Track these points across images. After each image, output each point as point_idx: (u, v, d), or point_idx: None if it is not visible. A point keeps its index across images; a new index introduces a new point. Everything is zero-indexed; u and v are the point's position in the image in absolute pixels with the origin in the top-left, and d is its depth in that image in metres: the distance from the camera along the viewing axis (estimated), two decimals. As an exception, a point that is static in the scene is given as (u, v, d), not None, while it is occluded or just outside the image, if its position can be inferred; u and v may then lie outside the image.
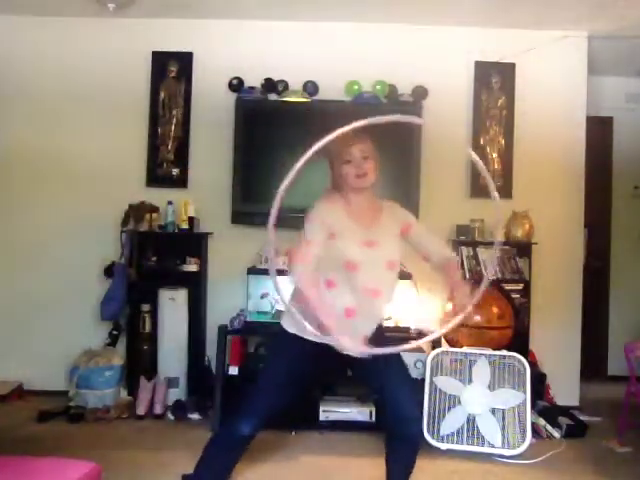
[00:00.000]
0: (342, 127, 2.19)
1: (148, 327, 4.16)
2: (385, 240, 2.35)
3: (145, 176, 4.37)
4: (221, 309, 4.20)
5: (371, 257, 2.29)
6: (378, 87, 4.29)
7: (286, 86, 4.31)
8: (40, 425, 3.71)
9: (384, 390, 2.41)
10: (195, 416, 3.91)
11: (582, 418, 3.93)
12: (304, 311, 2.18)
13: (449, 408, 3.55)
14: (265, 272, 3.74)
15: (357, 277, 2.28)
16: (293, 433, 3.66)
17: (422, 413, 3.55)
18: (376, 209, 2.40)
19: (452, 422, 3.52)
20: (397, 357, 2.41)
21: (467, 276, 4.16)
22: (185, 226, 4.19)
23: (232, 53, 4.38)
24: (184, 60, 4.38)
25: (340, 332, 2.13)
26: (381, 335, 2.47)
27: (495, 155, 4.39)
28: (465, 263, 4.19)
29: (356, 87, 4.29)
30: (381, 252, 2.32)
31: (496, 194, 2.16)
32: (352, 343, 2.14)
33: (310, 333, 2.17)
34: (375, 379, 2.41)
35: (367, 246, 2.30)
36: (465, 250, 4.22)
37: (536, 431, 3.69)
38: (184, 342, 4.12)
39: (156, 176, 4.37)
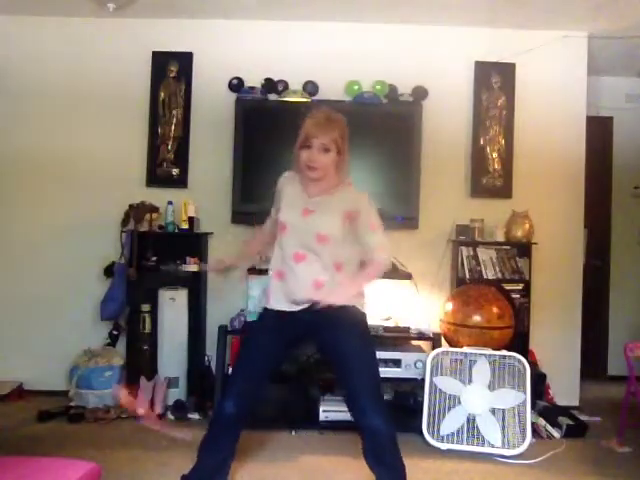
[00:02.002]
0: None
1: (148, 327, 4.15)
2: (323, 212, 2.44)
3: (145, 176, 4.37)
4: (221, 309, 4.20)
5: (302, 224, 2.44)
6: (378, 87, 4.29)
7: (286, 86, 4.31)
8: (40, 425, 3.71)
9: (343, 378, 2.48)
10: (195, 416, 3.91)
11: (582, 418, 3.92)
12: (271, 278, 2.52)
13: (449, 408, 3.56)
14: (265, 272, 3.73)
15: (286, 240, 2.46)
16: (293, 433, 3.67)
17: (421, 412, 3.56)
18: (334, 188, 2.48)
19: (452, 422, 3.52)
20: (365, 350, 2.47)
21: (468, 275, 4.17)
22: (185, 226, 4.19)
23: (232, 53, 4.38)
24: (184, 60, 4.38)
25: (274, 293, 2.48)
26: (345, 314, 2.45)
27: (495, 155, 4.39)
28: (465, 263, 4.19)
29: (356, 87, 4.30)
30: (314, 222, 2.43)
31: None
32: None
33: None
34: (337, 369, 2.50)
35: (303, 214, 2.45)
36: (465, 250, 4.22)
37: (536, 431, 3.69)
38: (184, 342, 4.12)
39: (156, 176, 4.37)
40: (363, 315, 2.53)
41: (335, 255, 2.44)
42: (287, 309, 2.46)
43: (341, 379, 2.54)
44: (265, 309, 2.57)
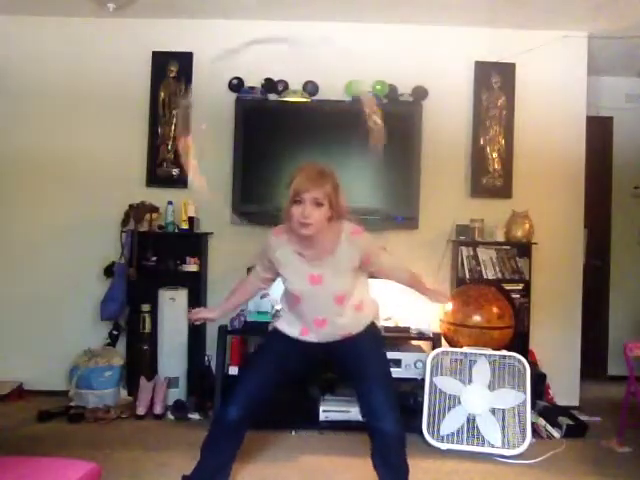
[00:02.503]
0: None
1: (148, 327, 4.16)
2: (332, 275, 2.38)
3: (145, 176, 4.37)
4: (221, 309, 4.20)
5: (316, 292, 2.39)
6: (378, 87, 4.29)
7: (286, 86, 4.31)
8: (40, 425, 3.71)
9: (357, 384, 2.50)
10: (195, 416, 3.91)
11: (582, 418, 3.92)
12: (286, 313, 2.53)
13: (449, 408, 3.55)
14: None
15: (303, 309, 2.45)
16: (293, 433, 3.67)
17: (420, 414, 3.56)
18: (332, 243, 2.37)
19: (452, 422, 3.52)
20: (377, 354, 2.53)
21: (468, 275, 4.17)
22: (185, 226, 4.19)
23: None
24: (184, 60, 4.38)
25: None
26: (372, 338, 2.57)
27: (495, 155, 4.39)
28: (465, 263, 4.19)
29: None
30: (326, 287, 2.39)
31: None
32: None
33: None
34: (351, 375, 2.53)
35: (311, 281, 2.38)
36: (465, 250, 4.22)
37: (536, 431, 3.69)
38: (184, 342, 4.12)
39: (156, 176, 4.37)
40: (377, 329, 2.62)
41: (354, 302, 2.47)
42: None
43: (354, 380, 2.54)
44: (277, 331, 2.58)
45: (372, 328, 2.56)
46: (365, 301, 2.53)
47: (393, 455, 2.42)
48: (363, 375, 2.46)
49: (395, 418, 2.38)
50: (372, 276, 2.57)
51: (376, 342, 2.56)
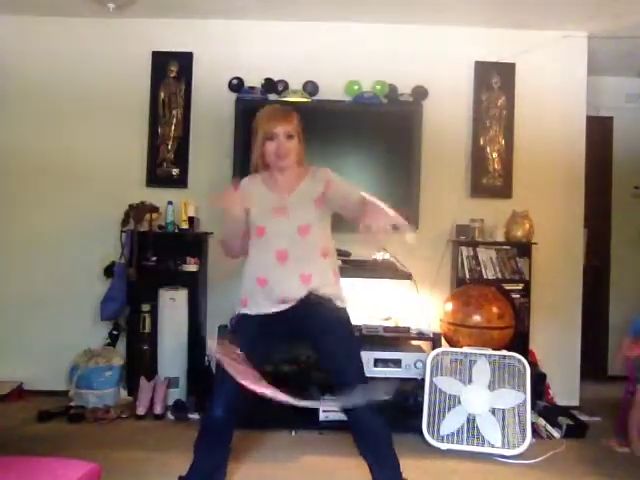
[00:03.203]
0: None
1: (148, 327, 4.15)
2: (297, 207, 2.46)
3: (145, 176, 4.37)
4: (221, 309, 4.19)
5: (280, 222, 2.44)
6: (378, 87, 4.29)
7: (286, 86, 4.31)
8: (40, 425, 3.71)
9: (328, 360, 2.48)
10: (195, 416, 3.91)
11: (582, 418, 3.92)
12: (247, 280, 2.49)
13: (449, 408, 3.55)
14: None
15: (267, 242, 2.44)
16: (293, 433, 3.66)
17: (421, 409, 3.56)
18: (298, 179, 2.51)
19: (452, 422, 3.52)
20: (346, 333, 2.50)
21: (468, 275, 4.17)
22: (185, 226, 4.19)
23: (232, 53, 4.38)
24: (184, 60, 4.38)
25: (253, 299, 2.45)
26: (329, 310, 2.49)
27: (495, 155, 4.39)
28: (465, 263, 4.19)
29: (356, 87, 4.30)
30: (291, 219, 2.45)
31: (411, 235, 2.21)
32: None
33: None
34: (321, 347, 2.49)
35: (276, 213, 2.45)
36: (465, 250, 4.22)
37: (536, 431, 3.69)
38: (184, 342, 4.12)
39: (156, 176, 4.37)
40: (346, 312, 2.54)
41: (319, 242, 2.47)
42: (271, 311, 2.45)
43: (330, 374, 2.53)
44: (244, 315, 2.51)
45: (342, 315, 2.51)
46: (330, 251, 2.52)
47: (383, 444, 2.42)
48: (337, 370, 2.45)
49: (374, 404, 2.38)
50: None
51: (348, 330, 2.52)
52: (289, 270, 2.43)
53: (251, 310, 2.48)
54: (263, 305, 2.46)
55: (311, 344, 2.60)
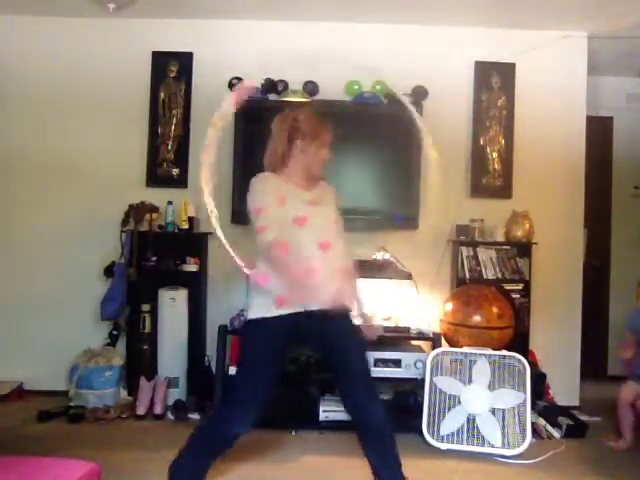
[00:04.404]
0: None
1: (148, 327, 4.15)
2: (326, 201, 2.53)
3: (145, 176, 4.37)
4: (221, 309, 4.20)
5: (318, 213, 2.44)
6: (378, 87, 4.29)
7: (286, 86, 4.31)
8: (40, 425, 3.71)
9: (342, 369, 2.44)
10: (195, 416, 3.91)
11: (582, 418, 3.92)
12: (276, 283, 2.30)
13: (449, 408, 3.55)
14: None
15: (307, 232, 2.39)
16: (293, 433, 3.66)
17: (422, 411, 3.56)
18: (315, 185, 2.56)
19: (452, 422, 3.52)
20: (359, 341, 2.49)
21: (468, 275, 4.16)
22: (185, 226, 4.19)
23: (232, 53, 4.38)
24: (184, 60, 4.38)
25: (307, 292, 2.28)
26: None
27: (495, 155, 4.39)
28: (465, 263, 4.19)
29: (356, 87, 4.30)
30: (325, 210, 2.48)
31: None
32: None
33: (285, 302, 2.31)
34: (335, 356, 2.45)
35: (312, 204, 2.45)
36: (465, 250, 4.22)
37: (536, 431, 3.69)
38: (184, 342, 4.12)
39: (156, 176, 4.38)
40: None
41: (339, 247, 2.48)
42: (315, 308, 2.32)
43: (338, 374, 2.49)
44: (262, 320, 2.39)
45: (349, 315, 2.52)
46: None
47: (389, 446, 2.40)
48: (348, 367, 2.42)
49: (381, 405, 2.41)
50: None
51: (355, 329, 2.52)
52: (330, 257, 2.40)
53: (290, 308, 2.34)
54: (311, 299, 2.30)
55: (318, 345, 2.55)
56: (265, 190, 2.43)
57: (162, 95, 4.38)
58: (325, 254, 2.39)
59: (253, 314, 2.43)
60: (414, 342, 4.08)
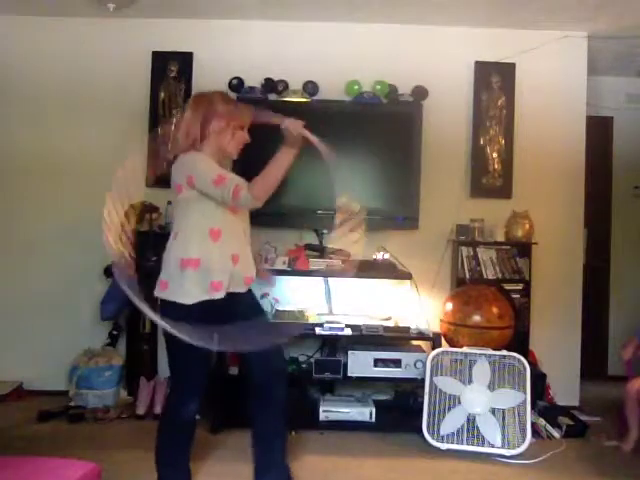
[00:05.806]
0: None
1: (148, 327, 4.15)
2: None
3: (145, 176, 4.37)
4: (221, 309, 4.19)
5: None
6: (378, 87, 4.29)
7: (286, 86, 4.31)
8: (40, 425, 3.71)
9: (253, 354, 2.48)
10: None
11: (582, 418, 3.93)
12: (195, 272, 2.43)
13: (449, 408, 3.55)
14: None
15: (236, 221, 2.47)
16: (293, 433, 3.66)
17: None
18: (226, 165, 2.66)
19: (452, 422, 3.52)
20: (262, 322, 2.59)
21: (468, 275, 4.16)
22: (185, 226, 4.18)
23: (232, 53, 4.38)
24: (184, 60, 4.38)
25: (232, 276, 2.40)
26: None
27: (495, 155, 4.39)
28: (465, 263, 4.19)
29: (356, 87, 4.29)
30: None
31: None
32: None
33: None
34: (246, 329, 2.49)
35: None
36: (465, 250, 4.21)
37: (536, 431, 3.69)
38: (184, 342, 4.12)
39: (156, 176, 4.37)
40: None
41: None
42: (238, 290, 2.48)
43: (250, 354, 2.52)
44: (210, 301, 2.44)
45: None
46: None
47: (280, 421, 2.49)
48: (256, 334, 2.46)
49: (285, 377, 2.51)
50: None
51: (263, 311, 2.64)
52: (248, 248, 2.56)
53: (222, 293, 2.43)
54: (236, 285, 2.47)
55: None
56: (208, 161, 2.51)
57: (162, 95, 4.38)
58: (245, 245, 2.56)
59: (174, 298, 2.54)
60: (414, 342, 4.08)
